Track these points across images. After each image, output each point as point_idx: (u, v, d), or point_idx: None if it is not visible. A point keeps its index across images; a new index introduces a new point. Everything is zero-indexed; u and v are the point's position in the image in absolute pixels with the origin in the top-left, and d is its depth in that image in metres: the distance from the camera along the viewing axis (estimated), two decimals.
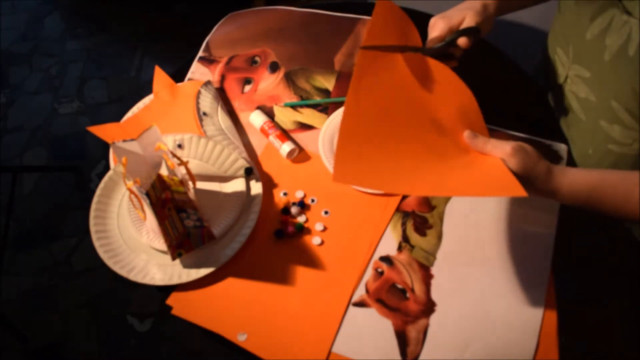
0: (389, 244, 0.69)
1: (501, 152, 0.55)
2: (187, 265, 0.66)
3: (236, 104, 0.86)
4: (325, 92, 0.86)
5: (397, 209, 0.72)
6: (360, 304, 0.64)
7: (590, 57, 0.70)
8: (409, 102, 0.61)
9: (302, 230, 0.70)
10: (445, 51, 0.67)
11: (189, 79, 0.89)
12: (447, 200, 0.72)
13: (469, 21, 0.66)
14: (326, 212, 0.72)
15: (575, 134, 0.79)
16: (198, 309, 0.64)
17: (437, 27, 0.67)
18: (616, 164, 0.75)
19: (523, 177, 0.53)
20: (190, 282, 0.65)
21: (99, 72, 1.98)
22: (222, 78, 0.89)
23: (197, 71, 0.91)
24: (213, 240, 0.67)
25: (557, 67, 0.80)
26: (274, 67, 0.90)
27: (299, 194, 0.74)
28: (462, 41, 0.65)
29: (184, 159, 0.72)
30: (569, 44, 0.74)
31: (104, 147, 0.77)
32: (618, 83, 0.68)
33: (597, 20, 0.66)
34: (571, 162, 0.75)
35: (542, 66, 0.87)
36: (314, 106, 0.84)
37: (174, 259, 0.64)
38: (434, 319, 0.63)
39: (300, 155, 0.78)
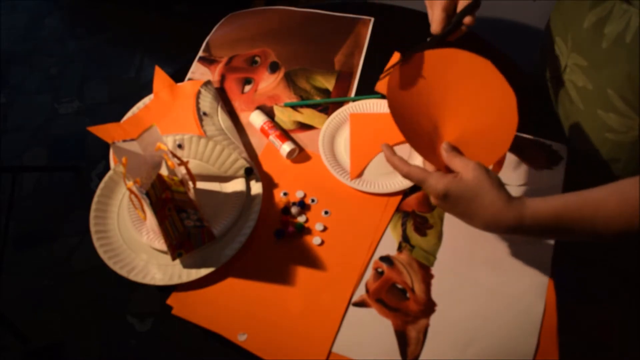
0: (389, 244, 0.69)
1: (464, 166, 0.55)
2: (187, 265, 0.66)
3: (236, 104, 0.86)
4: (325, 92, 0.86)
5: (397, 209, 0.72)
6: (361, 304, 0.64)
7: (588, 45, 0.70)
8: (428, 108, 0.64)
9: (302, 230, 0.70)
10: (450, 34, 0.66)
11: (189, 79, 0.89)
12: None
13: None
14: (326, 212, 0.72)
15: (574, 124, 0.79)
16: (198, 309, 0.65)
17: (437, 4, 0.65)
18: (613, 152, 0.75)
19: (475, 192, 0.53)
20: (190, 282, 0.65)
21: (99, 72, 1.98)
22: (222, 78, 0.89)
23: (197, 71, 0.91)
24: (213, 240, 0.67)
25: (557, 57, 0.79)
26: (274, 67, 0.90)
27: (299, 194, 0.74)
28: (468, 20, 0.65)
29: (184, 159, 0.72)
30: (568, 32, 0.74)
31: (104, 147, 0.77)
32: (614, 70, 0.67)
33: (597, 9, 0.66)
34: (571, 162, 0.75)
35: (542, 57, 0.87)
36: (314, 106, 0.84)
37: (174, 259, 0.64)
38: (434, 319, 0.63)
39: (300, 155, 0.78)
